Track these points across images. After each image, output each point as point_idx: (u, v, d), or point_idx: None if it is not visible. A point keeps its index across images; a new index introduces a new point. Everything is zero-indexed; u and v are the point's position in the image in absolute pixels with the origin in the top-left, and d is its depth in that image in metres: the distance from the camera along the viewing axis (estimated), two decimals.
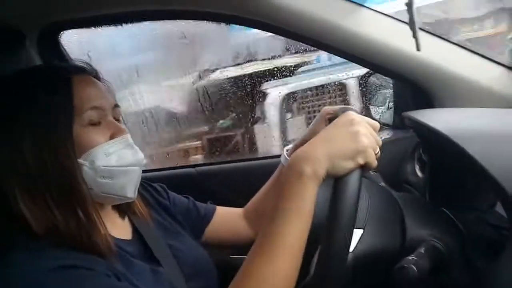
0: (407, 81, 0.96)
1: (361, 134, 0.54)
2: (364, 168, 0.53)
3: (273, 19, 0.95)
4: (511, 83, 0.91)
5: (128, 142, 0.67)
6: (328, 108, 0.79)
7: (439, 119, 0.70)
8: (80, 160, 0.62)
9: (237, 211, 0.95)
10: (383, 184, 0.85)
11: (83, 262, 0.55)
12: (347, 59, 1.02)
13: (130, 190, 0.67)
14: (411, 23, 0.56)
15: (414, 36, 0.59)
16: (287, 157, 0.84)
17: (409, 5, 0.51)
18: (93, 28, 1.06)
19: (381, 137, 0.59)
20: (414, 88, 0.96)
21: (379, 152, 0.56)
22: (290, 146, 0.86)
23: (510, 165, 0.55)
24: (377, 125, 0.58)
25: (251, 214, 0.93)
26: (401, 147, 1.07)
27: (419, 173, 0.98)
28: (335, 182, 0.53)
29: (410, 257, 0.56)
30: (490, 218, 0.69)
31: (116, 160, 0.64)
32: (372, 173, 0.88)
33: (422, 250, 0.59)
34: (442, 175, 0.80)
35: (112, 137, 0.65)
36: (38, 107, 0.61)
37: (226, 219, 0.92)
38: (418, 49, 0.56)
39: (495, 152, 0.56)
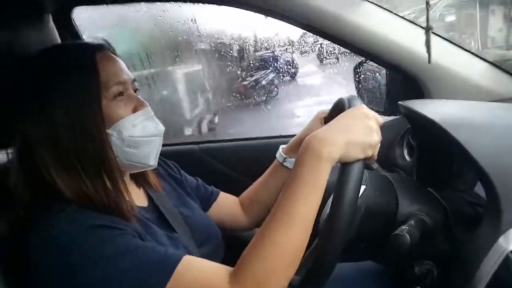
0: (400, 71, 1.04)
1: (374, 130, 0.60)
2: (367, 159, 0.60)
3: (276, 6, 0.99)
4: (494, 79, 1.01)
5: (150, 114, 0.72)
6: (322, 110, 0.88)
7: (432, 109, 0.78)
8: (109, 131, 0.67)
9: (233, 198, 1.01)
10: (376, 165, 0.92)
11: (112, 223, 0.60)
12: (344, 47, 1.09)
13: (152, 158, 0.73)
14: (427, 42, 0.62)
15: (428, 51, 0.65)
16: (283, 154, 0.91)
17: (427, 29, 0.57)
18: (104, 5, 1.07)
19: None
20: (406, 79, 1.04)
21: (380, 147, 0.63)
22: (285, 146, 0.93)
23: (492, 151, 0.64)
24: (381, 120, 0.64)
25: (245, 202, 0.99)
26: (391, 132, 1.15)
27: (407, 157, 1.07)
28: (342, 166, 0.60)
29: (403, 227, 0.65)
30: (469, 197, 0.79)
31: (141, 131, 0.69)
32: None
33: (412, 222, 0.68)
34: (429, 158, 0.89)
35: (135, 109, 0.70)
36: (69, 83, 0.65)
37: (227, 203, 0.98)
38: (429, 61, 0.63)
39: (479, 140, 0.64)
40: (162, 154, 0.75)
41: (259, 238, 0.59)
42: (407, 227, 0.64)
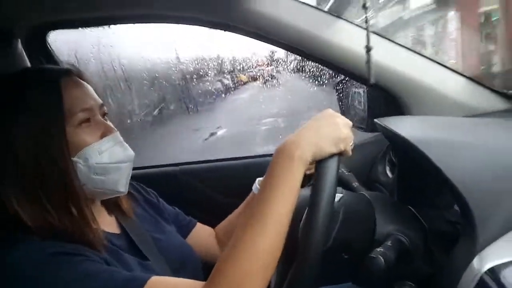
0: (380, 89, 1.04)
1: (341, 125, 0.63)
2: (341, 155, 0.62)
3: (258, 28, 1.00)
4: (471, 93, 1.02)
5: (119, 140, 0.71)
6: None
7: (405, 126, 0.78)
8: (74, 159, 0.65)
9: (209, 229, 0.99)
10: (356, 183, 0.92)
11: (76, 250, 0.59)
12: (326, 66, 1.09)
13: (122, 184, 0.71)
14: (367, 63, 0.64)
15: (368, 69, 0.67)
16: (258, 187, 0.88)
17: (368, 49, 0.58)
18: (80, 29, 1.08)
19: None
20: (386, 96, 1.04)
21: (353, 144, 0.65)
22: (261, 179, 0.89)
23: (465, 170, 0.63)
24: (350, 122, 0.66)
25: (221, 236, 0.97)
26: (373, 149, 1.15)
27: (389, 174, 1.07)
28: (317, 164, 0.61)
29: (378, 249, 0.63)
30: (449, 215, 0.78)
31: (109, 157, 0.68)
32: (347, 173, 0.95)
33: (389, 243, 0.66)
34: (408, 176, 0.88)
35: (102, 135, 0.69)
36: (30, 111, 0.64)
37: (202, 234, 0.96)
38: (370, 81, 0.65)
39: (452, 158, 0.64)
40: (141, 177, 0.74)
41: (234, 241, 0.58)
42: (382, 249, 0.63)
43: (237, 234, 0.58)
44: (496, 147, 0.68)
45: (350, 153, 0.64)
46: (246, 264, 0.55)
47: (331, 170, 0.60)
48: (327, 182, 0.58)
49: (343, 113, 1.29)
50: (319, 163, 0.61)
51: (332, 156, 0.60)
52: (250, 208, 0.60)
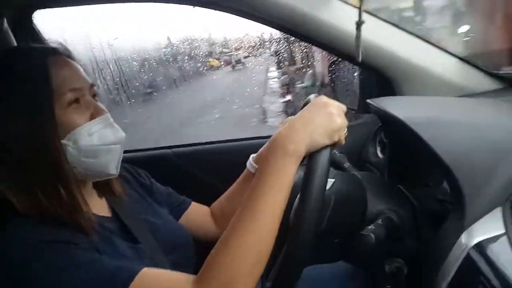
0: (372, 69, 1.04)
1: (335, 115, 0.61)
2: (334, 146, 0.61)
3: (253, 8, 0.98)
4: (462, 73, 1.02)
5: (109, 121, 0.69)
6: (292, 117, 0.86)
7: (398, 106, 0.78)
8: (64, 141, 0.64)
9: (205, 208, 0.98)
10: (348, 164, 0.92)
11: (65, 237, 0.58)
12: (318, 47, 1.08)
13: (113, 167, 0.70)
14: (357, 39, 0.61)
15: (357, 46, 0.65)
16: (253, 164, 0.88)
17: (358, 24, 0.56)
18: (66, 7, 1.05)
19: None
20: (378, 76, 1.04)
21: (346, 132, 0.64)
22: (255, 155, 0.90)
23: (455, 148, 0.64)
24: (345, 108, 0.65)
25: (217, 213, 0.96)
26: (365, 130, 1.15)
27: (380, 154, 1.07)
28: (309, 157, 0.60)
29: (369, 227, 0.64)
30: (438, 194, 0.79)
31: (98, 139, 0.66)
32: (338, 154, 0.95)
33: (379, 221, 0.67)
34: (399, 156, 0.89)
35: (92, 117, 0.67)
36: (18, 91, 0.62)
37: (198, 213, 0.95)
38: (359, 59, 0.63)
39: (444, 137, 0.65)
40: (134, 160, 0.73)
41: (224, 239, 0.58)
42: (373, 227, 0.64)
43: (227, 232, 0.58)
44: (485, 126, 0.68)
45: (343, 142, 0.63)
46: (236, 261, 0.55)
47: (322, 163, 0.58)
48: (318, 175, 0.57)
49: (336, 94, 1.28)
50: (311, 154, 0.60)
51: (325, 147, 0.59)
52: (242, 204, 0.59)
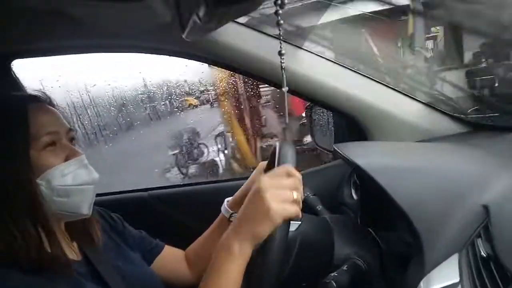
0: (343, 114, 1.08)
1: (269, 200, 0.59)
2: (289, 220, 0.61)
3: (222, 58, 1.03)
4: (428, 118, 1.07)
5: (83, 163, 0.71)
6: (263, 162, 0.88)
7: (361, 152, 0.81)
8: (38, 180, 0.66)
9: (180, 252, 0.99)
10: (320, 206, 0.94)
11: (36, 285, 0.58)
12: (292, 94, 1.13)
13: (85, 207, 0.71)
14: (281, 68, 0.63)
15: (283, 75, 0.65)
16: (227, 208, 0.90)
17: (280, 53, 0.60)
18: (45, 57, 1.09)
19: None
20: (349, 121, 1.08)
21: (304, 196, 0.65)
22: (230, 198, 0.92)
23: (412, 194, 0.66)
24: (300, 176, 0.63)
25: (191, 258, 0.97)
26: (340, 171, 1.18)
27: (354, 196, 1.09)
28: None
29: (332, 274, 0.65)
30: (407, 237, 0.80)
31: (72, 180, 0.69)
32: (311, 196, 0.97)
33: (345, 267, 0.68)
34: (369, 199, 0.91)
35: (67, 158, 0.70)
36: None
37: (171, 257, 0.95)
38: (283, 86, 0.64)
39: (400, 184, 0.67)
40: (109, 203, 0.73)
41: None
42: (336, 274, 0.65)
43: None
44: (442, 172, 0.71)
45: (299, 215, 0.60)
46: None
47: (275, 244, 0.58)
48: (272, 256, 0.58)
49: (312, 136, 1.32)
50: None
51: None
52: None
